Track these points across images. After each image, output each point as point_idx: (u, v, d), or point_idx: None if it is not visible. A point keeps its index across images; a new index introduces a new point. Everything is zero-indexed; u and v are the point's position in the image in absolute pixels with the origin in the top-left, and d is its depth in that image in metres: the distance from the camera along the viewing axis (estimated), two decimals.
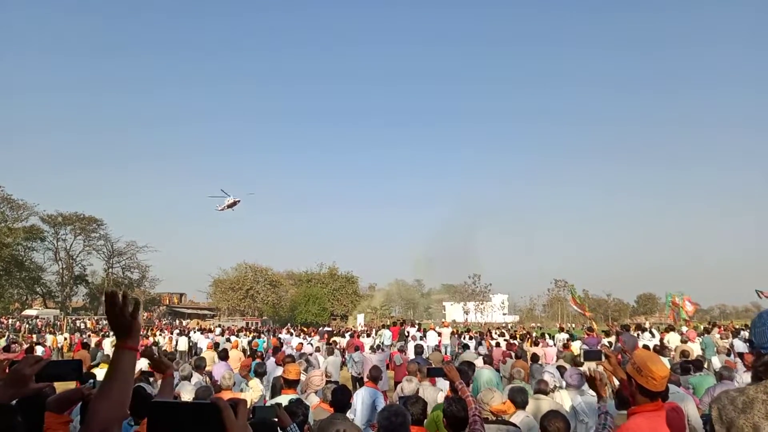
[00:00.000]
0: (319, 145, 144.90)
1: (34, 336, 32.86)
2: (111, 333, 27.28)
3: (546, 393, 6.50)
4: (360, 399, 6.71)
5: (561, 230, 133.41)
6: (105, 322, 50.23)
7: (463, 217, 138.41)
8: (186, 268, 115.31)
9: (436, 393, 6.66)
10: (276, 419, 3.67)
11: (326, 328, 32.17)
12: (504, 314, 78.39)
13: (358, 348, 15.39)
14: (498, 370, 11.22)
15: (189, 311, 72.34)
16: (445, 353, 18.91)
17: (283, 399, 5.35)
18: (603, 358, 3.60)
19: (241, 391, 8.13)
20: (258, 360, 11.22)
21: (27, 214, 59.14)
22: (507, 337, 20.07)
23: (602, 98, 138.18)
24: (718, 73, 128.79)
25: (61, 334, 30.84)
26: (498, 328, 28.59)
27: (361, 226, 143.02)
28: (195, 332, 27.57)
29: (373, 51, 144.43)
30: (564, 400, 6.59)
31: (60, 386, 2.70)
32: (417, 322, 39.77)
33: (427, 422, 4.92)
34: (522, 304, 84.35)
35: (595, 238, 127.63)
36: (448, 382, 7.20)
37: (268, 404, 5.34)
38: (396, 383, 11.27)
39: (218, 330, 28.58)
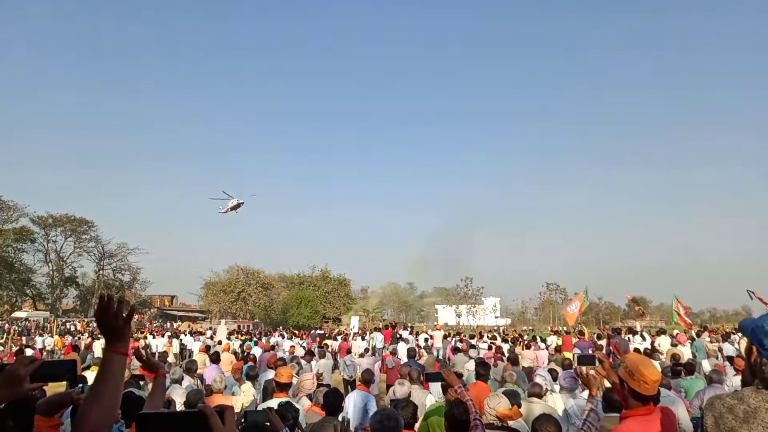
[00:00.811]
0: (313, 148, 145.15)
1: (24, 338, 32.61)
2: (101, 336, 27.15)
3: (539, 396, 6.51)
4: (352, 402, 6.70)
5: (553, 233, 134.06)
6: (95, 324, 49.92)
7: (457, 219, 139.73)
8: (177, 271, 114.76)
9: (425, 396, 6.66)
10: (268, 423, 3.67)
11: (318, 331, 32.07)
12: (496, 317, 78.60)
13: (350, 351, 15.37)
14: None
15: (180, 314, 71.98)
16: (438, 356, 18.93)
17: (275, 402, 5.34)
18: (597, 363, 3.61)
19: (233, 394, 8.10)
20: (250, 363, 11.20)
21: (17, 215, 58.78)
22: (499, 340, 20.06)
23: (598, 99, 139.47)
24: (716, 74, 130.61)
25: (51, 336, 30.60)
26: (490, 331, 28.57)
27: (354, 228, 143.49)
28: (186, 335, 27.46)
29: (368, 51, 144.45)
30: (557, 403, 6.61)
31: (50, 389, 2.69)
32: (409, 325, 39.77)
33: (419, 427, 4.92)
34: (514, 307, 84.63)
35: (587, 241, 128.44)
36: (438, 386, 7.23)
37: (259, 408, 5.32)
38: (388, 386, 11.26)
39: (209, 333, 28.49)
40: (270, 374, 8.80)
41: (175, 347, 23.15)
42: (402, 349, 15.95)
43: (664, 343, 16.10)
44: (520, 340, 20.47)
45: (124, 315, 1.72)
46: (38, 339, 28.35)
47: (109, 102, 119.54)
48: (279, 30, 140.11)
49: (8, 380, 1.85)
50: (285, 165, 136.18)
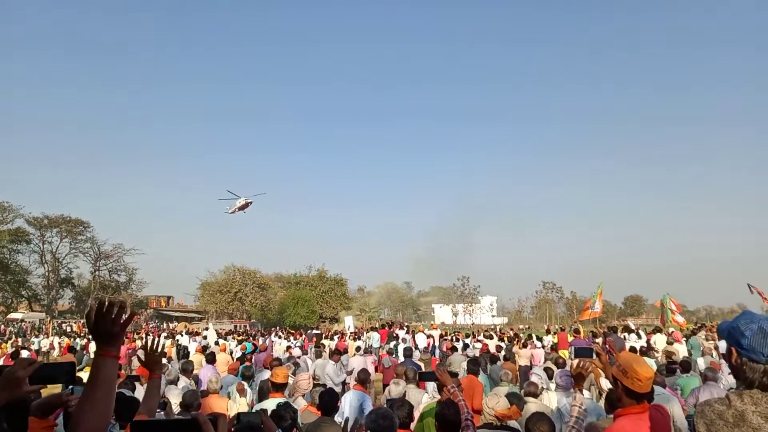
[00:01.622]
0: (309, 147, 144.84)
1: (20, 340, 32.51)
2: None
3: (535, 395, 6.53)
4: (348, 402, 6.71)
5: (549, 232, 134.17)
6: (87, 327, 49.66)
7: (455, 219, 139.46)
8: (174, 271, 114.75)
9: (421, 395, 6.66)
10: (261, 425, 3.66)
11: (315, 331, 32.05)
12: (493, 316, 78.75)
13: (346, 351, 15.37)
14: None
15: (176, 314, 71.88)
16: (434, 355, 18.96)
17: (271, 402, 5.34)
18: (594, 355, 3.62)
19: (228, 395, 8.09)
20: (247, 363, 11.20)
21: (12, 216, 58.51)
22: (495, 339, 20.10)
23: (593, 98, 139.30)
24: (712, 73, 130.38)
25: (47, 337, 30.52)
26: (486, 330, 28.61)
27: (351, 228, 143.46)
28: (183, 335, 27.41)
29: (363, 51, 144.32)
30: (552, 401, 6.62)
31: (46, 391, 2.68)
32: (406, 324, 39.80)
33: (415, 427, 4.92)
34: (510, 306, 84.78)
35: (583, 240, 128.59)
36: (435, 386, 7.23)
37: (255, 408, 5.33)
38: (384, 386, 11.27)
39: (205, 332, 28.46)
40: (266, 374, 8.80)
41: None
42: (400, 348, 15.96)
43: (659, 341, 16.14)
44: (517, 339, 20.51)
45: (122, 321, 1.71)
46: (34, 340, 28.29)
47: (105, 101, 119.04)
48: (274, 29, 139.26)
49: (7, 382, 1.85)
50: (281, 165, 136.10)
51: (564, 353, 14.78)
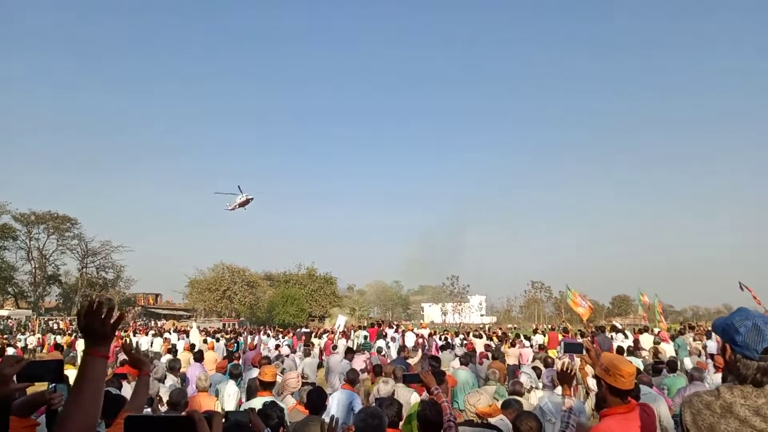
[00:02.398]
0: (299, 146, 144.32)
1: (6, 337, 32.20)
2: None
3: (521, 394, 6.55)
4: (336, 401, 6.70)
5: (538, 232, 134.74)
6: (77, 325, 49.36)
7: (445, 218, 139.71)
8: (162, 269, 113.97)
9: (410, 394, 6.67)
10: (250, 424, 3.64)
11: (304, 329, 31.96)
12: (482, 315, 78.91)
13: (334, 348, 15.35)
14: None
15: (165, 312, 71.50)
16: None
17: (258, 401, 5.32)
18: (584, 351, 3.64)
19: (216, 393, 8.07)
20: (235, 362, 11.15)
21: None
22: (484, 338, 20.17)
23: (580, 100, 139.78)
24: (697, 75, 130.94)
25: (33, 334, 30.25)
26: (475, 329, 28.71)
27: (341, 227, 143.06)
28: (171, 333, 27.25)
29: (352, 51, 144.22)
30: (540, 400, 6.65)
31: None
32: (395, 323, 39.79)
33: (402, 427, 4.92)
34: (499, 305, 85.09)
35: (571, 239, 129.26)
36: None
37: (243, 407, 5.31)
38: (373, 384, 11.26)
39: (194, 331, 28.28)
40: (254, 373, 8.78)
41: (158, 346, 22.97)
42: (393, 347, 15.97)
43: (646, 340, 16.24)
44: (505, 338, 20.59)
45: (112, 322, 1.69)
46: (20, 337, 28.04)
47: (86, 101, 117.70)
48: (272, 29, 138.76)
49: None
50: (270, 164, 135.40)
51: (553, 353, 14.84)
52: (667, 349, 14.57)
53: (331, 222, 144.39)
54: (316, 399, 5.12)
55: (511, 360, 14.57)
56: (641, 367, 8.86)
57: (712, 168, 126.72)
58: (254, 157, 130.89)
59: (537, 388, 8.39)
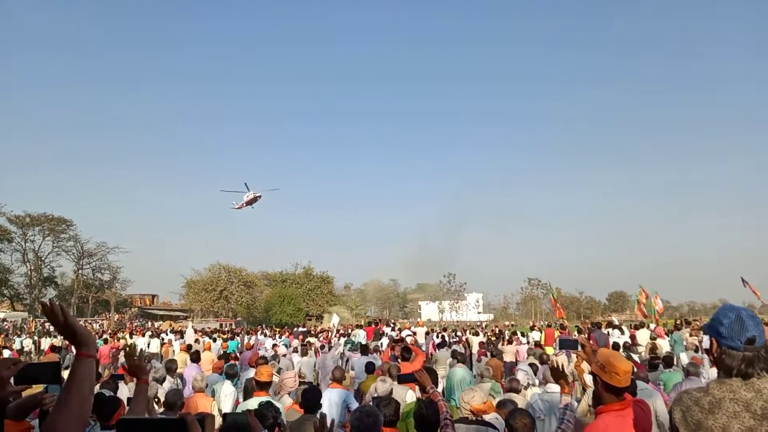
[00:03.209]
0: (296, 145, 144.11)
1: (2, 339, 32.08)
2: None
3: (517, 391, 6.56)
4: (327, 400, 6.68)
5: (534, 229, 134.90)
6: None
7: (441, 216, 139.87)
8: (158, 270, 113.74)
9: (405, 392, 6.66)
10: (247, 424, 3.63)
11: (301, 329, 31.93)
12: (479, 313, 78.93)
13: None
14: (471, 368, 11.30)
15: (161, 313, 71.39)
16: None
17: (254, 401, 5.31)
18: (579, 347, 3.64)
19: (213, 394, 8.05)
20: (231, 362, 11.13)
21: None
22: (481, 336, 20.18)
23: (580, 98, 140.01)
24: (693, 74, 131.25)
25: (29, 336, 30.13)
26: (471, 327, 28.72)
27: (336, 225, 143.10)
28: (168, 334, 27.22)
29: (346, 51, 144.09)
30: (531, 398, 6.67)
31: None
32: (392, 321, 39.78)
33: (399, 424, 4.91)
34: (496, 302, 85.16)
35: (568, 236, 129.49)
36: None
37: (239, 407, 5.30)
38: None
39: (189, 331, 28.21)
40: (251, 373, 8.77)
41: (155, 347, 22.94)
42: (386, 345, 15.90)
43: (643, 336, 16.27)
44: (502, 335, 20.63)
45: (68, 319, 1.69)
46: (16, 339, 27.93)
47: (80, 101, 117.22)
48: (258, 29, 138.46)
49: None
50: (266, 164, 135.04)
51: (550, 349, 14.88)
52: (663, 345, 14.61)
53: (327, 221, 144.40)
54: (311, 398, 5.12)
55: (507, 357, 14.60)
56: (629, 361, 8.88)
57: (708, 165, 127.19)
58: (251, 157, 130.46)
59: (534, 384, 8.42)
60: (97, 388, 6.66)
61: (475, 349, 16.18)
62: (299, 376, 8.50)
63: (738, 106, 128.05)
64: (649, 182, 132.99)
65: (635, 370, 5.34)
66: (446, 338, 20.06)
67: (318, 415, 2.79)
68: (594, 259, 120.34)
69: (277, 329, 32.52)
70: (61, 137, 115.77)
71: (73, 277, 67.16)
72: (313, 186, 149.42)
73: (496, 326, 39.30)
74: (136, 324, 53.51)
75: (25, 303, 61.92)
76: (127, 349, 3.02)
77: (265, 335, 25.13)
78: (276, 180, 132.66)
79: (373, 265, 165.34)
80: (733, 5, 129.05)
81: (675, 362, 10.49)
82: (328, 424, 2.72)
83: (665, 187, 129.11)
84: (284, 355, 13.66)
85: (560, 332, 19.24)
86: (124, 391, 7.31)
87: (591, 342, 4.02)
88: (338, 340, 20.47)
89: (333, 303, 63.78)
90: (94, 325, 47.59)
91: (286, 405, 6.00)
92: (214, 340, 20.69)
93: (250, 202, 48.22)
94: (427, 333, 22.08)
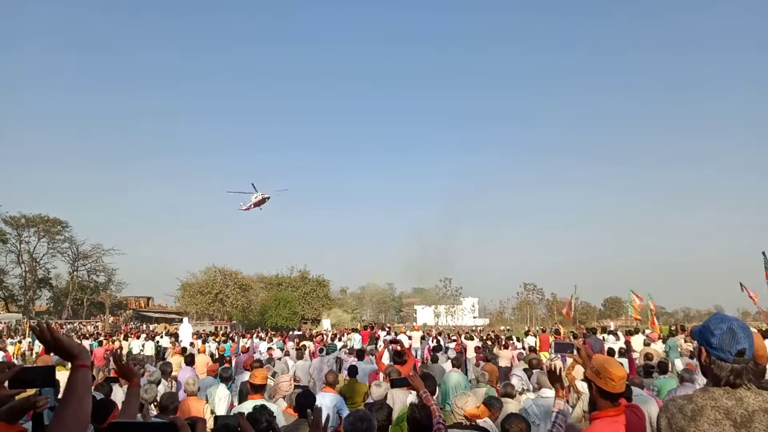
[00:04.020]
0: (291, 147, 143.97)
1: None
2: (76, 337, 26.85)
3: (512, 396, 6.56)
4: (319, 404, 6.67)
5: (530, 234, 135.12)
6: (70, 326, 49.27)
7: (437, 220, 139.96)
8: (154, 272, 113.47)
9: (406, 396, 6.64)
10: (238, 428, 3.62)
11: (296, 332, 31.86)
12: (474, 317, 79.01)
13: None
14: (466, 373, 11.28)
15: (156, 315, 71.14)
16: (415, 357, 18.96)
17: (249, 404, 5.30)
18: (575, 351, 3.65)
19: (206, 397, 8.04)
20: (225, 365, 11.11)
21: None
22: (476, 341, 20.19)
23: (576, 101, 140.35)
24: (690, 75, 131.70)
25: (24, 338, 29.99)
26: (466, 332, 28.74)
27: (332, 229, 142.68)
28: (163, 336, 27.16)
29: (342, 51, 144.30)
30: (525, 403, 6.67)
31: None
32: (388, 325, 39.77)
33: (392, 427, 4.90)
34: (492, 307, 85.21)
35: (563, 241, 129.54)
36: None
37: (234, 411, 5.29)
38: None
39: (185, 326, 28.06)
40: (246, 376, 8.75)
41: (149, 349, 22.89)
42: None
43: (637, 342, 16.30)
44: (498, 340, 20.62)
45: (61, 333, 1.73)
46: (9, 342, 27.78)
47: (75, 101, 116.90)
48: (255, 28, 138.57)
49: None
50: (262, 166, 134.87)
51: (545, 354, 14.87)
52: (657, 350, 14.63)
53: (323, 224, 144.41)
54: (304, 402, 5.11)
55: (503, 362, 14.59)
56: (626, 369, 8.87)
57: (705, 169, 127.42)
58: (248, 159, 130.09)
59: (528, 390, 8.41)
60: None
61: (471, 353, 16.19)
62: (294, 380, 8.48)
63: (737, 107, 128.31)
64: (647, 186, 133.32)
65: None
66: (441, 343, 20.05)
67: (313, 410, 2.78)
68: (590, 264, 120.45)
69: (273, 332, 32.48)
70: (56, 138, 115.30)
71: (68, 279, 67.05)
72: (309, 188, 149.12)
73: (492, 331, 39.31)
74: (130, 326, 53.34)
75: (20, 304, 61.72)
76: (118, 351, 3.03)
77: (260, 338, 25.10)
78: (273, 182, 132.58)
79: (369, 268, 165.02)
80: (733, 5, 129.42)
81: (669, 368, 10.50)
82: (323, 420, 2.71)
83: (662, 191, 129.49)
84: (279, 359, 13.63)
85: (555, 337, 19.27)
86: (119, 393, 7.28)
87: (586, 347, 4.03)
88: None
89: (329, 306, 63.75)
90: (89, 327, 47.36)
91: (281, 409, 5.99)
92: (206, 341, 20.67)
93: (258, 204, 47.20)
94: (422, 337, 22.07)
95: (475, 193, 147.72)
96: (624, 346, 15.17)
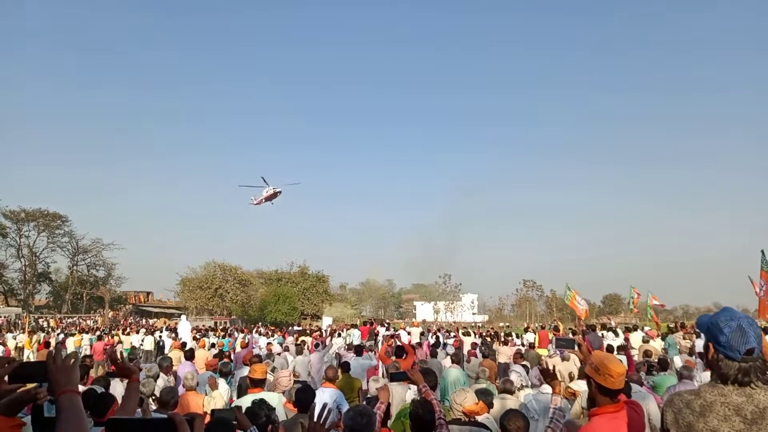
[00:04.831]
0: (291, 144, 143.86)
1: None
2: (76, 332, 26.82)
3: (511, 392, 6.57)
4: (318, 400, 6.68)
5: (530, 231, 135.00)
6: (69, 320, 49.29)
7: (437, 217, 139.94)
8: (153, 267, 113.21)
9: (405, 391, 6.64)
10: (235, 421, 3.62)
11: (296, 328, 31.89)
12: (474, 314, 79.03)
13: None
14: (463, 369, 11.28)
15: (156, 310, 71.19)
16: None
17: (248, 399, 5.31)
18: (575, 347, 3.65)
19: (206, 392, 8.04)
20: (225, 360, 11.12)
21: None
22: (473, 337, 20.21)
23: (575, 100, 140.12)
24: (690, 75, 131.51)
25: (23, 333, 29.97)
26: (465, 328, 28.77)
27: (333, 224, 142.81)
28: (162, 331, 27.18)
29: (341, 51, 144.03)
30: (525, 398, 6.67)
31: None
32: (387, 321, 39.80)
33: (394, 425, 4.90)
34: (491, 303, 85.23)
35: (563, 239, 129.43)
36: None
37: (233, 405, 5.30)
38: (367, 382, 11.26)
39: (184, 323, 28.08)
40: (246, 371, 8.76)
41: (149, 344, 22.89)
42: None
43: (636, 339, 16.32)
44: (497, 336, 20.66)
45: (71, 362, 1.75)
46: (9, 336, 27.79)
47: (74, 96, 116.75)
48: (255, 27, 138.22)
49: None
50: (261, 162, 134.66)
51: (543, 351, 14.89)
52: (655, 347, 14.64)
53: (323, 220, 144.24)
54: (303, 397, 5.12)
55: (502, 358, 14.61)
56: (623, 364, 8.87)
57: (704, 167, 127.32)
58: (249, 156, 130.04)
59: (527, 386, 8.42)
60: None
61: (467, 349, 16.22)
62: (293, 375, 8.49)
63: (737, 107, 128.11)
64: (646, 184, 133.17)
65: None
66: (440, 339, 20.08)
67: (314, 410, 2.77)
68: (589, 261, 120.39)
69: (272, 328, 32.50)
70: (57, 135, 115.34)
71: (67, 273, 67.16)
72: (309, 185, 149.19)
73: (492, 327, 39.35)
74: (130, 321, 53.39)
75: (19, 299, 61.79)
76: (114, 350, 3.05)
77: (259, 333, 25.12)
78: (270, 178, 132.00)
79: (369, 264, 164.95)
80: (733, 5, 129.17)
81: (669, 365, 10.51)
82: (325, 413, 2.71)
83: (662, 189, 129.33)
84: (278, 354, 13.64)
85: (554, 334, 19.29)
86: (119, 387, 7.30)
87: (586, 343, 4.03)
88: (332, 339, 20.51)
89: (329, 302, 63.83)
90: (88, 321, 47.37)
91: (282, 403, 6.00)
92: (206, 335, 20.67)
93: (269, 198, 46.67)
94: (422, 333, 22.09)
95: (475, 192, 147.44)
96: (623, 342, 15.23)
